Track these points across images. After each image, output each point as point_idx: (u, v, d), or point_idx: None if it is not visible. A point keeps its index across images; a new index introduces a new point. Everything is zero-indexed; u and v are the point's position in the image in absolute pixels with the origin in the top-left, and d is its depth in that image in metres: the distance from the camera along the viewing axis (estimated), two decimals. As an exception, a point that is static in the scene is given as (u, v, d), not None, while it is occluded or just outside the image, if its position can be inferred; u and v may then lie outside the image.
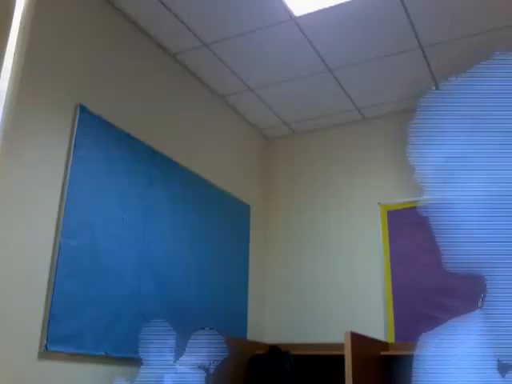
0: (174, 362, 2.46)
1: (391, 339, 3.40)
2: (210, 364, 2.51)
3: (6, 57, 2.28)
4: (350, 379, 2.49)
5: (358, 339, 2.70)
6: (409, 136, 0.73)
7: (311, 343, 3.58)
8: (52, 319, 2.27)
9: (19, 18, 2.35)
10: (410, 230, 3.54)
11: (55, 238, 2.37)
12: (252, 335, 3.71)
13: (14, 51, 2.31)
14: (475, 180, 0.66)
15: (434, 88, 0.72)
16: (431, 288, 3.38)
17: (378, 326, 3.47)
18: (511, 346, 0.65)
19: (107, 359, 2.55)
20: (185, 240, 3.20)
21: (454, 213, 0.67)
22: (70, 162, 2.49)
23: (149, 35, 3.15)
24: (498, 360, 0.66)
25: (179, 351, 2.52)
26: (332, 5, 2.85)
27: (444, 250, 0.69)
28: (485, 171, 0.65)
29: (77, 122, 2.55)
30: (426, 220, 0.71)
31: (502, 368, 0.65)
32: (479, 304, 0.71)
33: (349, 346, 2.57)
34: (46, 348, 2.23)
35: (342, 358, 2.59)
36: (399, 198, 3.62)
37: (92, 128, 2.64)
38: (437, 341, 0.76)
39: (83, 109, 2.60)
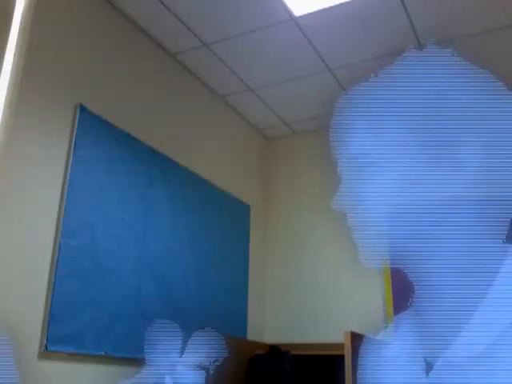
0: (175, 362, 2.46)
1: (391, 339, 3.40)
2: (210, 364, 2.51)
3: (6, 57, 2.29)
4: (350, 379, 2.49)
5: (358, 339, 2.70)
6: (329, 134, 0.76)
7: (311, 343, 3.58)
8: (52, 319, 2.27)
9: (19, 18, 2.35)
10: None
11: (55, 237, 2.37)
12: (252, 335, 3.71)
13: (14, 51, 2.31)
14: (383, 176, 0.68)
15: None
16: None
17: (377, 326, 3.47)
18: (436, 342, 0.67)
19: (107, 359, 2.55)
20: (185, 240, 3.20)
21: (363, 208, 0.70)
22: (70, 162, 2.49)
23: (149, 35, 3.15)
24: (425, 358, 0.68)
25: (179, 351, 2.52)
26: (332, 5, 2.85)
27: (358, 244, 0.71)
28: (392, 168, 0.68)
29: (77, 121, 2.55)
30: None
31: (428, 366, 0.67)
32: (409, 301, 0.73)
33: (349, 346, 2.57)
34: (46, 348, 2.23)
35: (342, 357, 2.59)
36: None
37: (92, 128, 2.64)
38: (378, 341, 0.79)
39: (83, 109, 2.60)
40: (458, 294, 0.65)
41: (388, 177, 0.68)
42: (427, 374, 0.67)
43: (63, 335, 2.31)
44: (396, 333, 0.76)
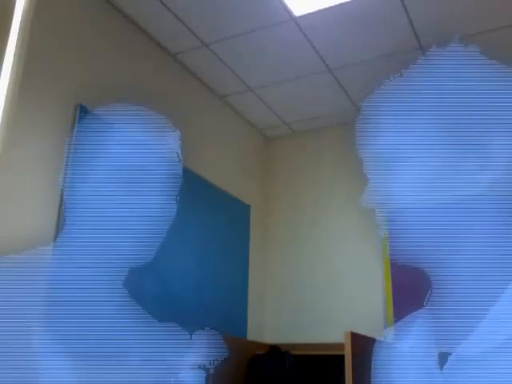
0: (174, 362, 2.45)
1: (391, 339, 3.40)
2: (210, 364, 2.51)
3: (6, 57, 2.29)
4: (350, 379, 2.49)
5: (358, 339, 2.70)
6: (355, 131, 0.75)
7: (311, 343, 3.58)
8: (52, 319, 2.26)
9: (19, 18, 2.35)
10: (409, 230, 3.54)
11: (54, 237, 2.37)
12: (252, 335, 3.70)
13: (14, 51, 2.31)
14: (410, 172, 0.68)
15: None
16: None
17: (377, 325, 3.47)
18: (450, 337, 0.67)
19: (107, 359, 2.54)
20: (184, 240, 3.20)
21: (391, 204, 0.69)
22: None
23: (149, 35, 3.15)
24: (439, 353, 0.68)
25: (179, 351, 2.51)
26: (332, 5, 2.85)
27: (388, 241, 0.70)
28: (418, 164, 0.67)
29: (77, 122, 2.55)
30: None
31: (441, 361, 0.67)
32: (425, 300, 0.73)
33: (349, 345, 2.57)
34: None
35: (342, 357, 2.59)
36: (399, 198, 3.62)
37: (92, 128, 2.63)
38: (391, 340, 0.79)
39: (83, 109, 2.60)
40: (476, 290, 0.65)
41: (415, 173, 0.67)
42: (441, 368, 0.67)
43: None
44: (410, 328, 0.76)
